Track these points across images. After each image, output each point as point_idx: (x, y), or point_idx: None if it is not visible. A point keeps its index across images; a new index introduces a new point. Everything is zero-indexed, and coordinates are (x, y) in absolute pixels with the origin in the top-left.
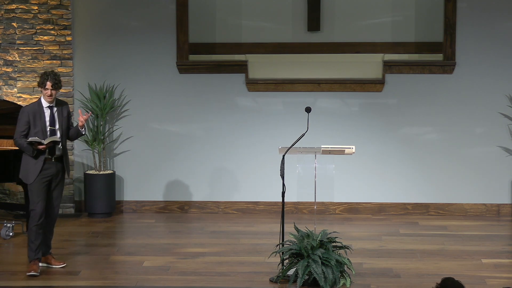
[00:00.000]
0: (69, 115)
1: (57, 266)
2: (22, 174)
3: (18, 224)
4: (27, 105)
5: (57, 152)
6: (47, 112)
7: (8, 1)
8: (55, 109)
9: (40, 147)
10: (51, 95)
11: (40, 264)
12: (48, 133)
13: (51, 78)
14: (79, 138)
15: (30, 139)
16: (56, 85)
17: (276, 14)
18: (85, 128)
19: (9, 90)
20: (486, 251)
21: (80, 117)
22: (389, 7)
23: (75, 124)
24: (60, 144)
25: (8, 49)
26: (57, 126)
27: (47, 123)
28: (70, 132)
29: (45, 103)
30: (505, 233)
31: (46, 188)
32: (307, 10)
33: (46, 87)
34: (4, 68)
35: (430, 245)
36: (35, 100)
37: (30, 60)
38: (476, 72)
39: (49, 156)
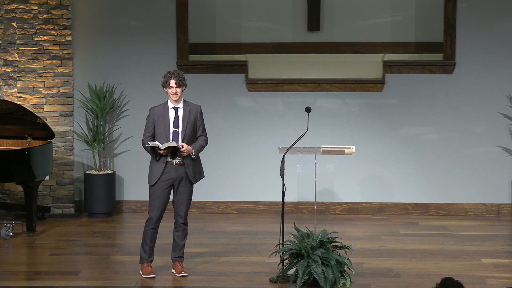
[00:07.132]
0: (197, 119)
1: (178, 274)
2: (148, 176)
3: (18, 224)
4: (154, 107)
5: (178, 156)
6: (171, 113)
7: (8, 1)
8: (180, 110)
9: (159, 151)
10: (176, 93)
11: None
12: (171, 135)
13: (175, 76)
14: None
15: (150, 143)
16: (180, 82)
17: (276, 14)
18: (195, 154)
19: (9, 90)
20: (486, 251)
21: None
22: (389, 7)
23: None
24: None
25: (8, 49)
26: (180, 128)
27: (171, 125)
28: (196, 142)
29: (170, 104)
30: (505, 233)
31: (166, 193)
32: (307, 10)
33: (171, 85)
34: (4, 68)
35: (430, 245)
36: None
37: (30, 60)
38: (476, 72)
39: (171, 160)
